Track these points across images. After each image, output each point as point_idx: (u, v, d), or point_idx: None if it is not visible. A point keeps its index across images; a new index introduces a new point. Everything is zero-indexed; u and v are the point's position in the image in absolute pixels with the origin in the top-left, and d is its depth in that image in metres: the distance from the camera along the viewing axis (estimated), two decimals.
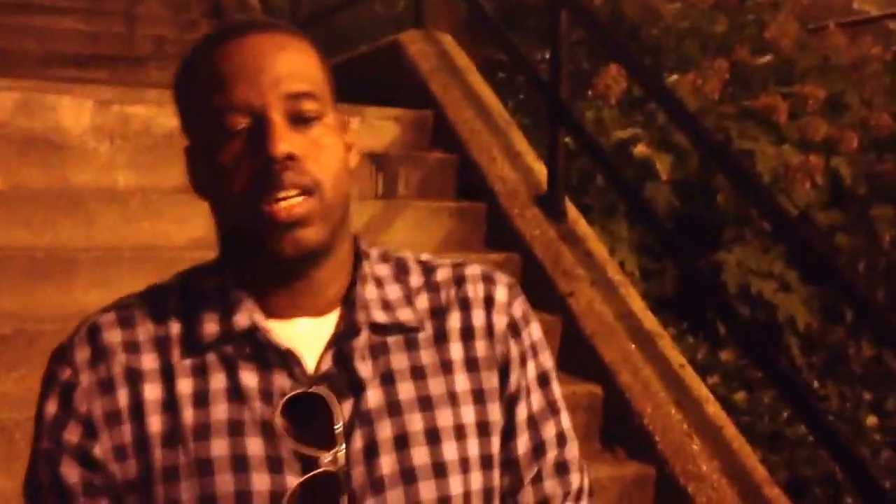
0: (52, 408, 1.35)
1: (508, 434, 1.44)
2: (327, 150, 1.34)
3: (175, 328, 1.37)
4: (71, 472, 1.32)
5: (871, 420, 4.90)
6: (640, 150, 5.56)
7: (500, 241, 4.90)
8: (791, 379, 4.18)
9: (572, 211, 4.95)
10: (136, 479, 1.31)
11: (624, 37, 6.26)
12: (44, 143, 4.63)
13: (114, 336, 1.36)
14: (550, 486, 1.47)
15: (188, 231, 4.50)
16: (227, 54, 1.34)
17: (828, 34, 6.57)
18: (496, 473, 1.41)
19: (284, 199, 1.29)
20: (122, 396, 1.33)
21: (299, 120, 1.33)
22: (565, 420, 1.51)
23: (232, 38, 1.36)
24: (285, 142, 1.29)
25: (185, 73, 1.40)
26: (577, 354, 4.40)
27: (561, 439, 1.50)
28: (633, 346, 4.38)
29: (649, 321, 4.51)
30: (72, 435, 1.33)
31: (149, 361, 1.35)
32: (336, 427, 1.32)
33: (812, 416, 3.98)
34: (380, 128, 5.45)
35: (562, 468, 1.49)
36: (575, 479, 1.50)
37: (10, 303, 3.93)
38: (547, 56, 5.32)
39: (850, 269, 5.43)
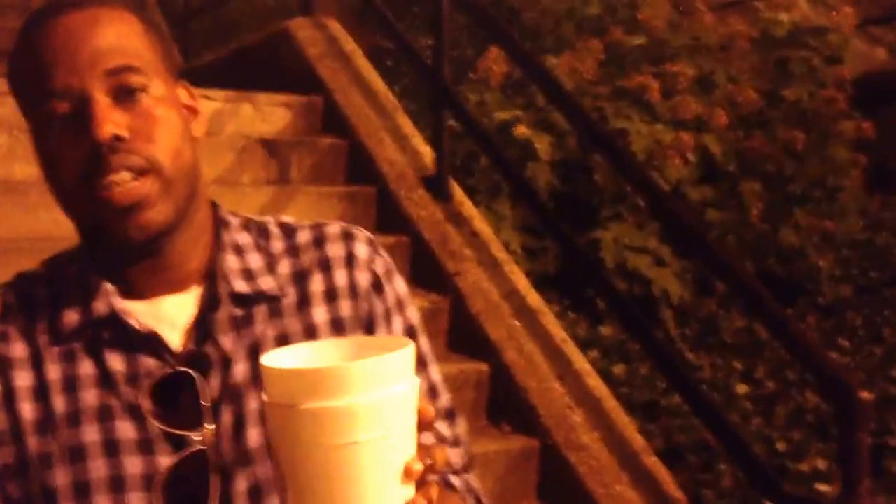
0: None
1: None
2: (159, 123, 1.29)
3: (42, 316, 1.34)
4: None
5: (742, 388, 5.08)
6: (521, 130, 5.66)
7: (389, 224, 4.96)
8: (666, 351, 4.34)
9: (458, 192, 5.06)
10: (13, 466, 1.29)
11: (504, 21, 6.34)
12: None
13: None
14: (441, 427, 1.46)
15: None
16: (43, 37, 1.29)
17: (697, 15, 6.71)
18: None
19: (119, 183, 1.25)
20: None
21: (124, 95, 1.28)
22: (434, 372, 1.48)
23: (48, 20, 1.30)
24: (109, 122, 1.24)
25: (14, 56, 1.34)
26: (464, 333, 4.51)
27: (433, 392, 1.47)
28: (518, 323, 4.49)
29: (533, 299, 4.63)
30: None
31: (18, 350, 1.32)
32: (204, 404, 1.30)
33: (686, 386, 4.12)
34: (271, 113, 5.49)
35: (448, 414, 1.48)
36: (444, 428, 1.47)
37: None
38: (430, 43, 5.39)
39: (720, 243, 5.55)
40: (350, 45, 5.85)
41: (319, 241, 1.44)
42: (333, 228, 1.46)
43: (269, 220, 1.47)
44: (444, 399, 1.49)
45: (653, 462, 4.12)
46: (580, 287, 5.37)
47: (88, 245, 1.38)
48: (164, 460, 1.29)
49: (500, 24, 5.41)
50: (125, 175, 1.25)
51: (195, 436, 1.29)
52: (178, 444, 1.30)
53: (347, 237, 1.45)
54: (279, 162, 5.22)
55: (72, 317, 1.33)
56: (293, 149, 5.30)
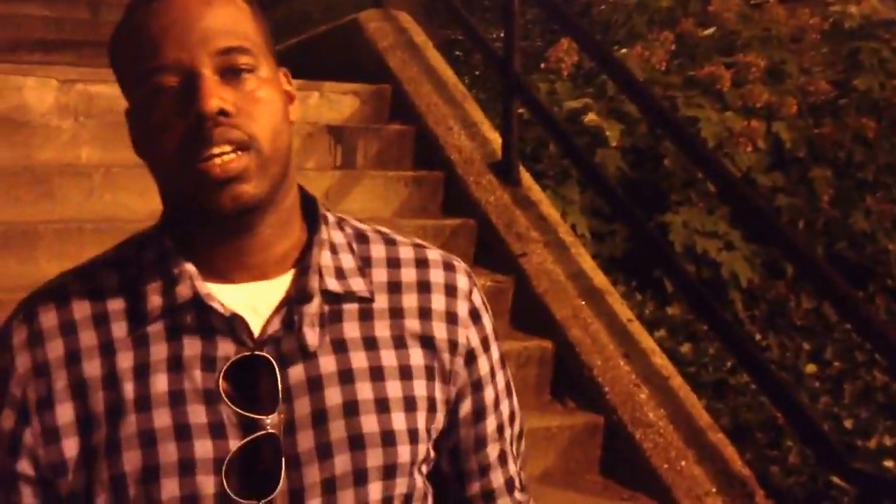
0: None
1: (478, 416, 1.46)
2: (262, 103, 1.31)
3: (115, 303, 1.34)
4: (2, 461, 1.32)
5: (811, 368, 5.08)
6: (591, 118, 5.73)
7: (456, 208, 5.03)
8: (734, 331, 4.34)
9: (526, 177, 5.13)
10: (76, 459, 1.29)
11: (575, 14, 6.41)
12: (8, 122, 4.69)
13: (50, 319, 1.33)
14: (511, 463, 1.52)
15: (150, 203, 4.39)
16: (155, 14, 1.30)
17: (768, 7, 6.73)
18: (429, 447, 1.41)
19: (219, 155, 1.26)
20: (60, 378, 1.30)
21: (231, 74, 1.29)
22: (514, 400, 1.53)
23: None
24: (216, 97, 1.26)
25: (118, 35, 1.37)
26: (529, 312, 4.56)
27: (513, 417, 1.52)
28: (584, 302, 4.54)
29: (599, 279, 4.68)
30: (5, 421, 1.31)
31: (87, 339, 1.32)
32: (279, 391, 1.30)
33: (754, 365, 4.15)
34: (338, 101, 5.55)
35: (516, 441, 1.53)
36: (522, 446, 1.56)
37: None
38: (502, 34, 5.47)
39: (790, 227, 5.58)
40: (420, 36, 5.93)
41: (421, 262, 1.45)
42: (434, 255, 1.47)
43: (366, 227, 1.48)
44: (519, 421, 1.54)
45: (719, 439, 4.13)
46: (647, 269, 5.39)
47: (176, 223, 1.38)
48: (235, 445, 1.28)
49: (572, 16, 5.47)
50: (226, 148, 1.26)
51: (268, 420, 1.29)
52: (250, 429, 1.29)
53: (448, 266, 1.47)
54: (345, 148, 5.27)
55: (153, 301, 1.32)
56: (359, 135, 5.36)
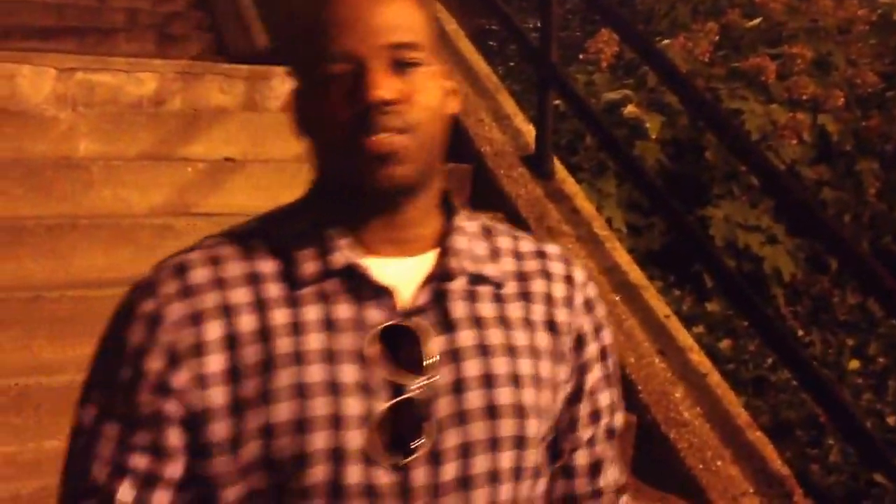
0: (134, 337, 1.39)
1: (575, 397, 1.54)
2: (425, 94, 1.39)
3: (266, 266, 1.42)
4: (146, 401, 1.37)
5: (854, 364, 4.99)
6: (631, 110, 5.66)
7: (485, 201, 4.93)
8: (776, 326, 4.26)
9: (560, 170, 5.04)
10: (224, 407, 1.35)
11: (616, 3, 6.34)
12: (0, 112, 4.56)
13: (202, 274, 1.40)
14: (601, 449, 1.59)
15: (150, 198, 4.50)
16: (336, 4, 1.39)
17: None
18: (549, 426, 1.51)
19: (381, 140, 1.35)
20: (213, 328, 1.37)
21: (400, 67, 1.38)
22: (616, 391, 1.61)
23: None
24: (382, 88, 1.35)
25: (296, 20, 1.46)
26: None
27: (612, 408, 1.60)
28: (618, 298, 4.44)
29: (634, 274, 4.59)
30: (154, 363, 1.37)
31: (241, 296, 1.39)
32: (426, 359, 1.39)
33: (796, 361, 4.06)
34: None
35: (610, 433, 1.60)
36: (616, 445, 1.62)
37: None
38: (538, 24, 5.39)
39: (835, 221, 5.49)
40: (452, 24, 5.85)
41: (542, 254, 1.55)
42: (553, 248, 1.58)
43: (490, 221, 1.58)
44: (620, 417, 1.62)
45: (757, 437, 4.04)
46: (686, 264, 5.31)
47: (325, 199, 1.45)
48: (381, 405, 1.36)
49: (612, 5, 5.40)
50: (388, 134, 1.35)
51: (414, 384, 1.38)
52: (396, 392, 1.37)
53: (565, 260, 1.57)
54: None
55: (308, 267, 1.40)
56: None
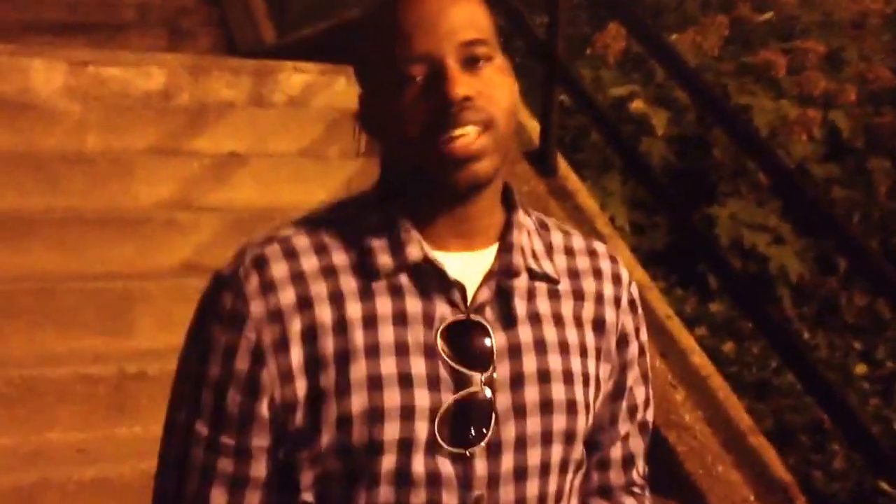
0: (221, 336, 1.44)
1: (618, 394, 1.61)
2: (499, 87, 1.44)
3: (341, 258, 1.46)
4: (235, 400, 1.43)
5: (861, 368, 4.92)
6: (637, 105, 5.59)
7: None
8: (781, 328, 4.22)
9: (563, 166, 5.00)
10: (304, 399, 1.41)
11: None
12: (12, 106, 4.65)
13: (281, 269, 1.45)
14: (635, 443, 1.65)
15: (156, 191, 4.57)
16: (408, 8, 1.43)
17: None
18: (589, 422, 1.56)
19: (461, 136, 1.39)
20: (294, 323, 1.42)
21: (472, 64, 1.42)
22: (650, 387, 1.67)
23: None
24: (462, 85, 1.39)
25: (367, 24, 1.50)
26: None
27: (647, 403, 1.66)
28: None
29: (637, 274, 4.52)
30: (242, 363, 1.43)
31: (318, 289, 1.44)
32: (490, 353, 1.45)
33: (800, 364, 4.02)
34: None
35: (643, 428, 1.67)
36: (647, 439, 1.68)
37: None
38: (545, 20, 5.34)
39: (845, 220, 5.37)
40: None
41: (592, 252, 1.61)
42: (601, 247, 1.64)
43: (542, 215, 1.64)
44: (652, 411, 1.68)
45: (759, 442, 4.02)
46: (690, 264, 5.24)
47: (395, 192, 1.49)
48: (448, 397, 1.42)
49: None
50: (470, 129, 1.40)
51: (478, 378, 1.44)
52: (460, 386, 1.44)
53: (612, 259, 1.63)
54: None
55: (383, 259, 1.45)
56: None
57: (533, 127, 5.14)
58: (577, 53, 6.06)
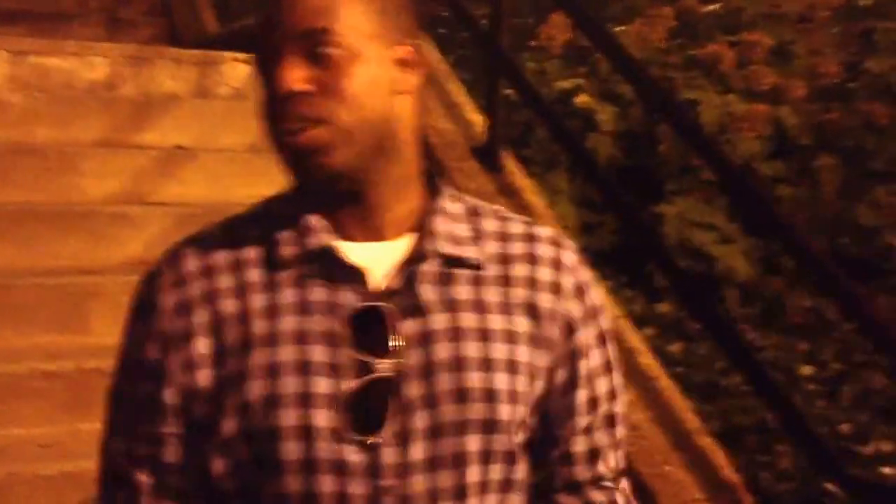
0: (136, 327, 1.50)
1: (570, 385, 1.54)
2: (345, 79, 1.40)
3: (251, 252, 1.48)
4: (146, 387, 1.46)
5: (807, 369, 4.94)
6: (583, 99, 5.56)
7: None
8: (728, 329, 4.20)
9: (510, 163, 4.93)
10: (209, 388, 1.43)
11: None
12: None
13: (193, 263, 1.48)
14: (600, 436, 1.57)
15: (106, 185, 4.55)
16: None
17: None
18: (527, 412, 1.51)
19: (298, 129, 1.38)
20: (200, 314, 1.45)
21: (315, 55, 1.39)
22: (617, 378, 1.60)
23: None
24: (291, 79, 1.38)
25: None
26: None
27: (612, 395, 1.59)
28: None
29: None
30: (150, 352, 1.46)
31: (225, 282, 1.46)
32: (393, 340, 1.43)
33: (747, 365, 4.02)
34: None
35: (611, 420, 1.59)
36: (619, 431, 1.60)
37: None
38: (489, 12, 5.26)
39: (791, 220, 5.37)
40: None
41: (531, 237, 1.55)
42: (545, 231, 1.58)
43: (481, 203, 1.59)
44: (621, 402, 1.61)
45: (707, 443, 4.00)
46: (638, 263, 5.24)
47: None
48: (351, 384, 1.41)
49: None
50: (301, 123, 1.38)
51: (381, 364, 1.42)
52: (364, 373, 1.42)
53: (556, 243, 1.56)
54: None
55: (286, 250, 1.45)
56: None
57: (479, 122, 5.07)
58: (521, 46, 6.01)
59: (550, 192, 5.24)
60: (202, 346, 1.45)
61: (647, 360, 4.23)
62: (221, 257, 1.48)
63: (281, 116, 1.40)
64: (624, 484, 1.63)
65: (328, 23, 1.40)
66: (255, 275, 1.46)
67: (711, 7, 6.36)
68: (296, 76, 1.38)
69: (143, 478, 1.47)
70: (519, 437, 1.49)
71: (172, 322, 1.46)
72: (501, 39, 4.89)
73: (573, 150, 4.94)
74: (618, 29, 6.06)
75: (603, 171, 4.93)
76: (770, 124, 5.71)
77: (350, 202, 1.46)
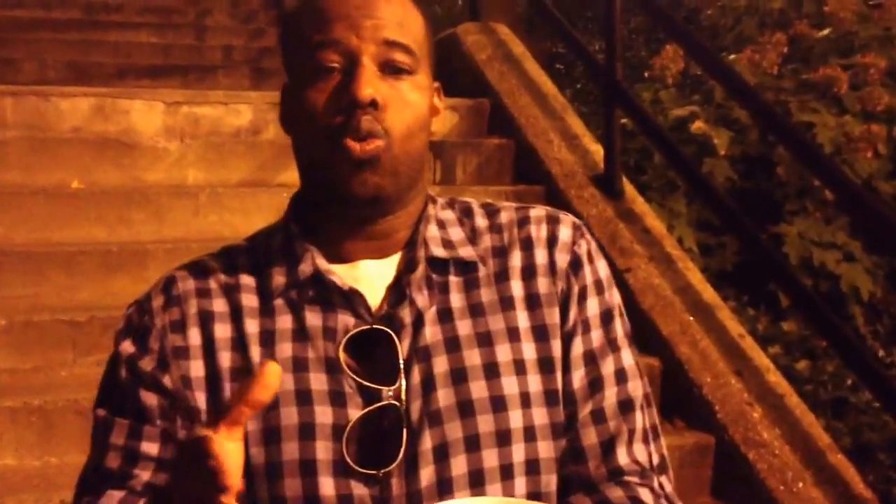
0: (128, 346, 1.43)
1: (565, 368, 1.43)
2: (409, 104, 1.37)
3: (245, 280, 1.44)
4: (148, 397, 1.39)
5: None
6: (698, 126, 5.57)
7: None
8: (855, 346, 4.15)
9: (629, 189, 4.98)
10: (206, 410, 1.38)
11: (681, 20, 6.26)
12: (117, 145, 4.88)
13: (187, 284, 1.44)
14: (615, 424, 1.44)
15: (253, 222, 4.59)
16: None
17: (888, 6, 6.48)
18: (556, 409, 1.42)
19: (365, 138, 1.34)
20: (194, 335, 1.40)
21: (389, 69, 1.37)
22: (627, 357, 1.48)
23: None
24: (371, 87, 1.33)
25: (294, 10, 1.46)
26: (634, 329, 4.36)
27: (621, 376, 1.46)
28: (692, 318, 4.37)
29: (708, 294, 4.51)
30: (146, 366, 1.40)
31: (219, 305, 1.42)
32: (398, 362, 1.36)
33: (877, 381, 3.95)
34: (438, 117, 5.52)
35: (625, 405, 1.45)
36: (638, 418, 1.46)
37: (87, 294, 4.14)
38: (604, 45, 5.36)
39: None
40: (519, 48, 5.85)
41: (523, 221, 1.49)
42: (538, 212, 1.51)
43: (472, 201, 1.55)
44: (637, 385, 1.48)
45: (839, 460, 3.95)
46: (760, 283, 5.19)
47: (305, 210, 1.47)
48: (355, 413, 1.34)
49: (677, 20, 5.34)
50: (368, 135, 1.33)
51: (387, 391, 1.35)
52: (369, 399, 1.36)
53: (552, 220, 1.50)
54: (444, 163, 5.28)
55: (278, 279, 1.41)
56: (459, 150, 5.35)
57: (597, 151, 5.14)
58: (636, 77, 6.07)
59: (669, 215, 5.25)
60: (197, 367, 1.39)
61: (775, 378, 4.21)
62: (216, 281, 1.45)
63: (350, 125, 1.34)
64: (661, 481, 1.46)
65: (409, 40, 1.38)
66: (249, 301, 1.42)
67: (823, 32, 6.33)
68: (375, 86, 1.34)
69: (143, 473, 1.39)
70: (545, 443, 1.40)
71: (166, 339, 1.41)
72: (616, 71, 4.96)
73: (690, 174, 4.94)
74: (730, 57, 6.08)
75: (720, 194, 4.90)
76: (887, 143, 5.66)
77: (364, 227, 1.42)
